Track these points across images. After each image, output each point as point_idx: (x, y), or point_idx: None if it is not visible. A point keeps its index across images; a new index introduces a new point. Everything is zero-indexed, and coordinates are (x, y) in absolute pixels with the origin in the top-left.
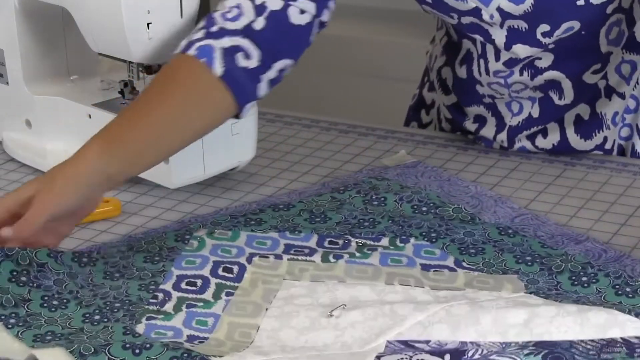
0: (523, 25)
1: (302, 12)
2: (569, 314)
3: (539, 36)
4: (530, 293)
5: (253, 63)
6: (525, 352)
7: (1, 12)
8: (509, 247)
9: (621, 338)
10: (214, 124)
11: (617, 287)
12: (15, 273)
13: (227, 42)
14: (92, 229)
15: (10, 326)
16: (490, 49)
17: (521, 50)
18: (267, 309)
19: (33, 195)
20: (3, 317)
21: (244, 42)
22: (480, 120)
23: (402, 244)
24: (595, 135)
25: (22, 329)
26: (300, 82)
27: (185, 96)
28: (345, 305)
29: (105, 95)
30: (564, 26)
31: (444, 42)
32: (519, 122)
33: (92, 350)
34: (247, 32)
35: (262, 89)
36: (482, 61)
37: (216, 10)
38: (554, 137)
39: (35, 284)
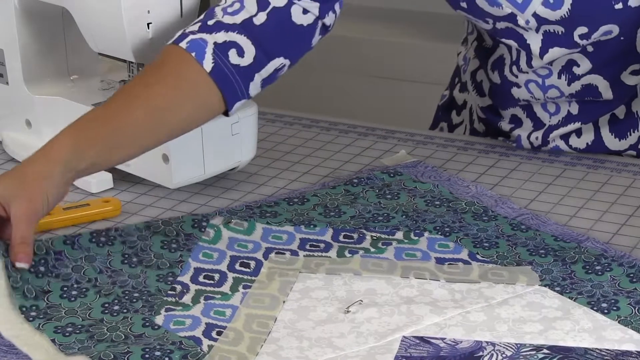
0: (559, 29)
1: (305, 12)
2: (585, 330)
3: (576, 38)
4: (545, 286)
5: (246, 61)
6: (540, 355)
7: (1, 12)
8: (522, 241)
9: (636, 351)
10: (198, 121)
11: (632, 275)
12: (33, 263)
13: (221, 36)
14: (92, 229)
15: (31, 319)
16: (523, 55)
17: (557, 52)
18: (284, 302)
19: (8, 201)
20: (24, 308)
21: (240, 38)
22: (516, 120)
23: (416, 237)
24: (630, 134)
25: (43, 321)
26: (300, 82)
27: (170, 89)
28: (362, 301)
29: (105, 95)
30: (602, 29)
31: (474, 46)
32: (559, 120)
33: (112, 357)
34: (245, 26)
35: (254, 88)
36: (514, 67)
37: (219, 4)
38: (588, 137)
39: (53, 274)
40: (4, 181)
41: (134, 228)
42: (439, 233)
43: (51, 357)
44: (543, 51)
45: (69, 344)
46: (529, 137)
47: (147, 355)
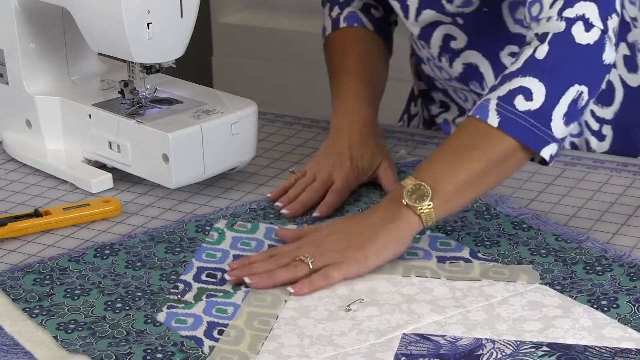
0: None
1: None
2: (584, 328)
3: (443, 1)
4: (545, 284)
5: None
6: (540, 353)
7: (1, 12)
8: (523, 241)
9: (635, 349)
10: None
11: (632, 274)
12: (38, 280)
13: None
14: (92, 229)
15: (34, 315)
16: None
17: (429, 15)
18: (286, 301)
19: (333, 173)
20: (27, 309)
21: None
22: (445, 105)
23: (417, 235)
24: None
25: (46, 318)
26: (300, 82)
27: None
28: (363, 300)
29: (105, 95)
30: None
31: None
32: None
33: (114, 358)
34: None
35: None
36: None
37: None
38: None
39: (58, 282)
40: (329, 158)
41: (138, 241)
42: (441, 231)
43: (53, 354)
44: (419, 12)
45: (71, 341)
46: (454, 120)
47: (148, 357)
